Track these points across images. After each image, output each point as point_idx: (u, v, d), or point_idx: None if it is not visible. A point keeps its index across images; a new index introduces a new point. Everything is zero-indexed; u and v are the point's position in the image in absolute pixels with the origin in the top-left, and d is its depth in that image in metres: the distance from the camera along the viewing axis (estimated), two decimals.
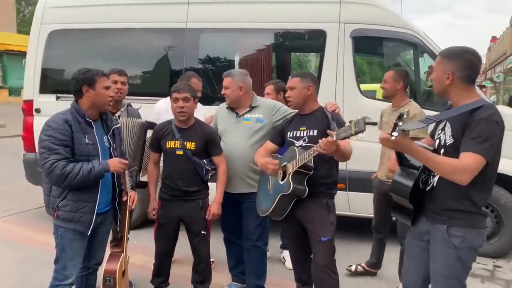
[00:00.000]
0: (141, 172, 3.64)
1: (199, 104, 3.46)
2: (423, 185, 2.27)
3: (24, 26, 32.06)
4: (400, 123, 1.95)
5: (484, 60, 41.01)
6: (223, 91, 3.36)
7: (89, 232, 2.68)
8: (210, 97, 4.86)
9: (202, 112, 3.76)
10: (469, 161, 2.01)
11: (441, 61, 2.20)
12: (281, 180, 2.85)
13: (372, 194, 3.92)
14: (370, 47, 5.49)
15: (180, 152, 3.17)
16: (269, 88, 4.12)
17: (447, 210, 2.18)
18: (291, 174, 2.73)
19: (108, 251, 3.12)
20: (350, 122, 2.32)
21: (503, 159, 2.23)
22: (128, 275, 3.25)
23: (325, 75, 4.69)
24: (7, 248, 4.53)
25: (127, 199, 2.92)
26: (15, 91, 23.56)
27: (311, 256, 2.96)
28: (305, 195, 2.76)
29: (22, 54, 10.22)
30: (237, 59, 5.10)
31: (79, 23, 5.35)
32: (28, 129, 5.37)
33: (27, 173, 5.52)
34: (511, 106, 11.70)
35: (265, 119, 3.31)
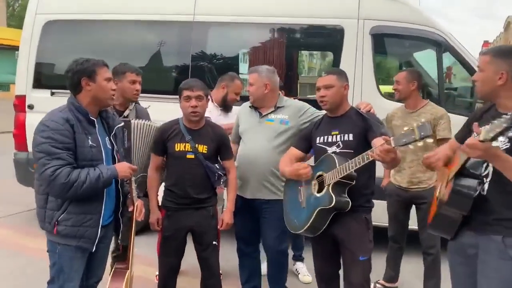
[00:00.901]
0: None
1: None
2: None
3: (13, 20, 31.43)
4: (504, 126, 1.67)
5: None
6: (247, 88, 3.09)
7: (94, 248, 2.34)
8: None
9: (234, 114, 3.52)
10: None
11: (491, 60, 2.02)
12: (318, 192, 2.55)
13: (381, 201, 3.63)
14: (390, 46, 5.22)
15: (191, 156, 2.84)
16: None
17: (501, 219, 1.98)
18: (331, 185, 2.43)
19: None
20: (409, 127, 2.04)
21: None
22: None
23: None
24: None
25: (133, 209, 2.57)
26: (4, 86, 23.05)
27: (339, 271, 2.71)
28: (348, 208, 2.47)
29: (12, 48, 9.84)
30: (244, 56, 4.82)
31: (78, 13, 4.99)
32: (20, 126, 5.01)
33: (18, 174, 5.15)
34: None
35: (291, 121, 3.03)
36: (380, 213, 3.62)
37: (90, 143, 2.27)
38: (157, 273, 3.20)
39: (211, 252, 2.93)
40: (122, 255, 3.15)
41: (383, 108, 4.22)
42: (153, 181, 2.99)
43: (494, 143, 1.75)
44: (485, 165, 2.04)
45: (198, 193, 2.86)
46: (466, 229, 2.11)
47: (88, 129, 2.30)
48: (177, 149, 2.85)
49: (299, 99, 3.63)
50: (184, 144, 2.85)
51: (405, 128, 2.08)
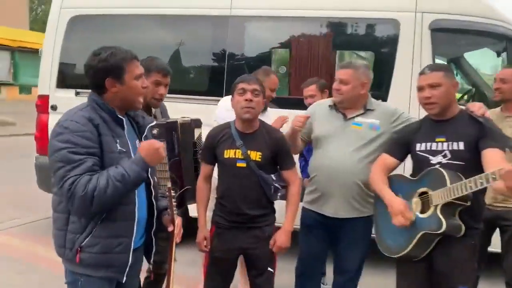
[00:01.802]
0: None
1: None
2: None
3: (36, 24, 31.78)
4: None
5: None
6: (336, 86, 2.64)
7: (124, 278, 1.91)
8: None
9: (270, 113, 3.12)
10: None
11: None
12: (421, 213, 2.12)
13: None
14: (452, 42, 4.74)
15: (241, 164, 2.44)
16: (311, 89, 3.54)
17: None
18: (439, 206, 1.98)
19: None
20: None
21: None
22: None
23: (397, 75, 3.94)
24: (11, 270, 3.77)
25: (173, 230, 2.05)
26: (26, 89, 23.21)
27: None
28: (461, 234, 2.05)
29: (34, 52, 9.69)
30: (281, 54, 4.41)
31: (106, 7, 4.63)
32: (42, 128, 4.66)
33: (39, 179, 4.79)
34: None
35: (382, 126, 2.59)
36: None
37: (119, 147, 1.85)
38: None
39: (265, 280, 2.52)
40: (154, 285, 2.70)
41: None
42: (202, 193, 2.60)
43: None
44: None
45: (251, 209, 2.45)
46: None
47: (116, 131, 1.88)
48: (226, 156, 2.46)
49: None
50: (234, 150, 2.45)
51: None
